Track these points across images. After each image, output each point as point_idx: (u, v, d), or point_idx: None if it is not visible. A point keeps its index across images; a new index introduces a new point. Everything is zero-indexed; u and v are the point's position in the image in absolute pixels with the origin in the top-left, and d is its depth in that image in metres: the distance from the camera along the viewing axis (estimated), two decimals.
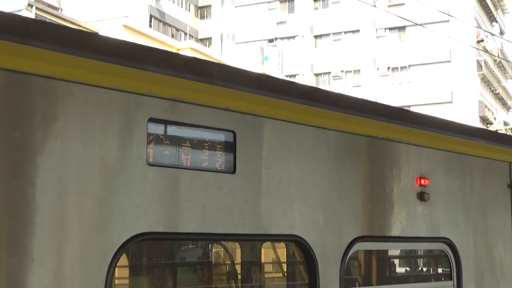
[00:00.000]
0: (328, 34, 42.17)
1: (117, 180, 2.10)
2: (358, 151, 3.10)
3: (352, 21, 40.49)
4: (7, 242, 1.77)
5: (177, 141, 2.36)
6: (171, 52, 2.91)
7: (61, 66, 1.99)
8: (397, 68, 40.18)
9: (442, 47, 37.35)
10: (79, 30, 2.19)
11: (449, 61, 38.84)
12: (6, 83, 1.86)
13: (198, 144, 2.40)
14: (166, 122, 2.28)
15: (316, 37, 42.73)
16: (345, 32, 41.44)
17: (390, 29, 40.09)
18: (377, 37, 40.83)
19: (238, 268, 3.79)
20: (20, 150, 1.84)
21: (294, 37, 42.50)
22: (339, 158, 2.93)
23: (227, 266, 3.81)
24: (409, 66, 39.90)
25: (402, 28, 39.39)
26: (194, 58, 3.04)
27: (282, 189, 2.63)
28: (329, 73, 41.49)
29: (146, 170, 2.16)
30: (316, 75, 41.81)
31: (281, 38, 42.59)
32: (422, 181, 3.38)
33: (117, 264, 2.07)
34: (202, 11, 46.29)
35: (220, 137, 2.47)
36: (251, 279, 3.95)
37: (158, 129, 2.28)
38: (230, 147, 2.45)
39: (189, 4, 44.93)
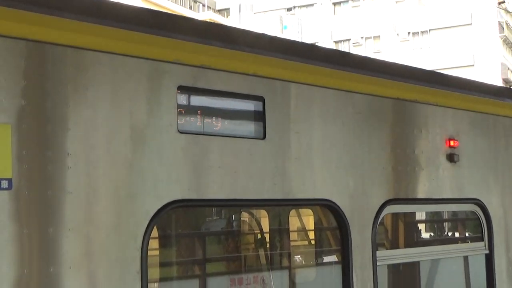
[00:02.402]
0: (347, 1, 40.88)
1: (148, 148, 2.06)
2: (386, 113, 2.99)
3: None
4: (44, 213, 1.77)
5: (207, 108, 2.30)
6: (196, 19, 2.82)
7: (89, 36, 1.95)
8: (418, 32, 38.79)
9: (462, 9, 35.90)
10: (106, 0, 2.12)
11: (470, 24, 37.32)
12: (36, 55, 1.83)
13: (227, 111, 2.35)
14: (195, 90, 2.22)
15: (334, 4, 41.44)
16: None
17: None
18: (396, 1, 39.39)
19: (269, 234, 3.80)
20: (53, 120, 1.81)
21: (312, 4, 41.36)
22: (368, 121, 2.83)
23: (258, 232, 3.82)
24: (429, 30, 38.49)
25: None
26: (220, 25, 2.95)
27: (312, 154, 2.56)
28: (348, 40, 40.41)
29: (177, 138, 2.12)
30: (336, 42, 40.78)
31: (300, 6, 41.51)
32: (452, 143, 3.25)
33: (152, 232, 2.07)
34: None
35: (249, 103, 2.40)
36: (282, 246, 3.96)
37: (187, 96, 2.22)
38: (259, 113, 2.38)
39: None
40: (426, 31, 38.73)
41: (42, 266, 1.74)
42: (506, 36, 40.05)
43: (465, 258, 3.72)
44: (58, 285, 1.77)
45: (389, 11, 38.87)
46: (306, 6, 41.55)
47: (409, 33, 38.90)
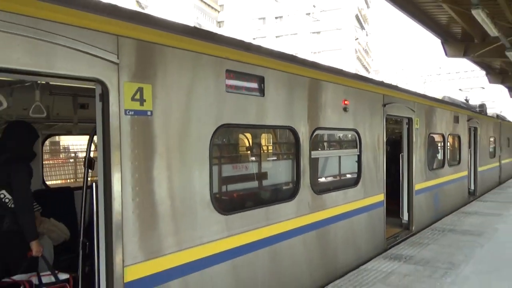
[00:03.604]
0: None
1: (212, 101, 4.11)
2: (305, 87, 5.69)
3: None
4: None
5: (240, 77, 4.43)
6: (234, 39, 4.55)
7: (170, 40, 3.54)
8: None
9: None
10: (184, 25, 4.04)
11: None
12: (138, 49, 3.27)
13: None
14: (235, 72, 4.45)
15: None
16: None
17: None
18: None
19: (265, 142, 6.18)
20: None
21: None
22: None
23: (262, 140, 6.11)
24: None
25: None
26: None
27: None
28: None
29: (227, 95, 4.36)
30: None
31: None
32: (346, 102, 6.13)
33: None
34: None
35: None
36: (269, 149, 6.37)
37: (232, 73, 4.35)
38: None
39: None
40: None
41: None
42: None
43: (350, 157, 6.81)
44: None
45: None
46: None
47: None
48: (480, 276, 5.70)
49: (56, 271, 4.14)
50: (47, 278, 4.10)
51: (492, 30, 8.22)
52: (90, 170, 3.86)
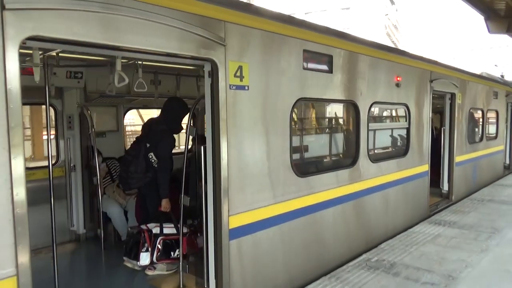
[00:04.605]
0: None
1: (292, 77, 4.65)
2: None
3: None
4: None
5: (313, 56, 4.95)
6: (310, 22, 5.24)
7: (262, 24, 4.01)
8: None
9: None
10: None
11: None
12: (240, 33, 3.86)
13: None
14: (310, 52, 4.89)
15: None
16: None
17: None
18: None
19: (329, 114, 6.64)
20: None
21: None
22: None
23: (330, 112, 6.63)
24: None
25: None
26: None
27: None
28: None
29: (303, 72, 4.84)
30: None
31: None
32: (398, 78, 6.47)
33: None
34: None
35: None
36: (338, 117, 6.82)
37: (307, 53, 4.79)
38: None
39: None
40: None
41: None
42: None
43: (401, 129, 7.19)
44: None
45: None
46: None
47: None
48: None
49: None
50: (168, 230, 4.99)
51: None
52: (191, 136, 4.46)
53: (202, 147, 3.87)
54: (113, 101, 6.83)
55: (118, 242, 6.08)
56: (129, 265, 5.04)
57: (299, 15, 58.03)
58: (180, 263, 4.59)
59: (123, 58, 3.72)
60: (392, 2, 66.50)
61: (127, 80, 3.91)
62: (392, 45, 67.68)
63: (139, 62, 4.58)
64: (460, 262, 5.11)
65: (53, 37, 2.59)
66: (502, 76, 19.74)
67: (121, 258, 5.16)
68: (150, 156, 5.07)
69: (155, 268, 4.94)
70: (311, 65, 4.73)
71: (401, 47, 75.94)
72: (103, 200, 6.01)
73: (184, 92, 6.78)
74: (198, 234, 4.87)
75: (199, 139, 4.74)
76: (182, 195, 4.49)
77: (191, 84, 6.79)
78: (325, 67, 5.04)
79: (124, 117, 7.34)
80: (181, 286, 4.55)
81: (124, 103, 7.13)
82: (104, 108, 7.00)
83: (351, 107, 5.62)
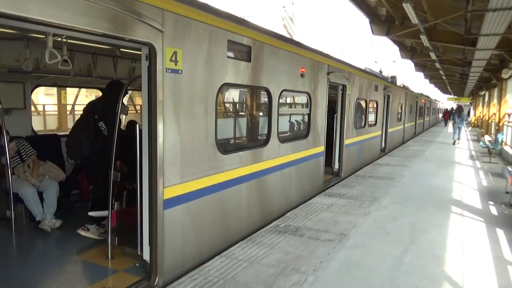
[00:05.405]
0: None
1: (218, 64, 5.22)
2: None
3: None
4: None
5: (237, 48, 5.54)
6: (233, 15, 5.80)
7: (193, 14, 4.50)
8: None
9: None
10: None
11: None
12: (175, 21, 4.36)
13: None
14: (233, 41, 5.45)
15: None
16: None
17: None
18: None
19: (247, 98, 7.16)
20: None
21: None
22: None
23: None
24: None
25: None
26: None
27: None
28: None
29: (227, 60, 5.37)
30: None
31: None
32: (303, 70, 7.35)
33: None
34: None
35: None
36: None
37: (231, 43, 5.37)
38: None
39: None
40: None
41: None
42: None
43: (304, 115, 8.14)
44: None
45: None
46: None
47: None
48: (395, 205, 7.53)
49: None
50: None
51: (414, 19, 9.92)
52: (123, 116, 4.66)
53: (138, 126, 4.14)
54: (20, 76, 6.50)
55: (29, 223, 5.93)
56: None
57: None
58: (109, 235, 4.80)
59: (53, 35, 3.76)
60: None
61: (59, 57, 3.97)
62: (288, 36, 71.75)
63: (64, 40, 4.57)
64: (349, 224, 6.21)
65: (7, 12, 2.62)
66: (381, 71, 22.70)
67: (36, 239, 5.27)
68: (100, 125, 5.33)
69: (88, 230, 5.29)
70: (233, 54, 5.24)
71: (296, 38, 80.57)
72: (13, 181, 5.78)
73: (101, 72, 6.77)
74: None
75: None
76: (113, 171, 4.69)
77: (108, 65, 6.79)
78: (244, 56, 5.59)
79: (31, 94, 7.00)
80: (109, 257, 4.77)
81: (32, 80, 6.81)
82: (9, 84, 6.61)
83: (265, 93, 6.30)
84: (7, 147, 5.80)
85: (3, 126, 5.68)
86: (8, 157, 5.73)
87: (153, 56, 3.93)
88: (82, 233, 5.33)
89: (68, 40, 4.86)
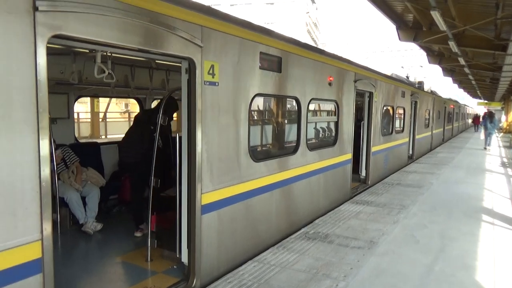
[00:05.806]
0: None
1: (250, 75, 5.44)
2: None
3: None
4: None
5: (268, 59, 5.76)
6: (263, 27, 6.05)
7: (227, 28, 4.83)
8: None
9: None
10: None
11: None
12: (213, 36, 4.69)
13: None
14: (265, 53, 5.68)
15: None
16: None
17: None
18: None
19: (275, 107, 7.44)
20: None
21: None
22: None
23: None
24: None
25: None
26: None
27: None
28: None
29: (259, 71, 5.58)
30: None
31: None
32: (330, 78, 7.49)
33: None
34: None
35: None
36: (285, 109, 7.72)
37: (263, 54, 5.62)
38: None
39: None
40: None
41: None
42: None
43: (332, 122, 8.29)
44: None
45: None
46: None
47: None
48: (423, 213, 7.53)
49: None
50: None
51: (442, 25, 9.89)
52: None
53: (177, 135, 4.40)
54: (64, 88, 6.91)
55: (73, 226, 6.28)
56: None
57: (224, 7, 58.59)
58: (149, 238, 5.07)
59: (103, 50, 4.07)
60: (313, 1, 69.92)
61: (106, 72, 4.27)
62: (312, 42, 71.83)
63: (109, 54, 4.88)
64: (378, 231, 6.28)
65: (73, 35, 2.96)
66: (407, 77, 22.47)
67: (79, 240, 5.63)
68: (155, 136, 5.31)
69: (142, 229, 5.93)
70: (265, 65, 5.45)
71: (320, 44, 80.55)
72: (59, 186, 6.15)
73: (138, 82, 7.11)
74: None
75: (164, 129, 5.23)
76: (152, 177, 4.96)
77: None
78: (275, 67, 5.78)
79: (74, 104, 7.43)
80: (148, 259, 5.04)
81: (75, 91, 7.23)
82: (55, 96, 7.04)
83: (294, 102, 6.48)
84: (54, 154, 6.19)
85: (51, 134, 6.07)
86: (54, 163, 6.11)
87: (192, 69, 4.18)
88: (139, 234, 5.91)
89: (113, 54, 5.20)
